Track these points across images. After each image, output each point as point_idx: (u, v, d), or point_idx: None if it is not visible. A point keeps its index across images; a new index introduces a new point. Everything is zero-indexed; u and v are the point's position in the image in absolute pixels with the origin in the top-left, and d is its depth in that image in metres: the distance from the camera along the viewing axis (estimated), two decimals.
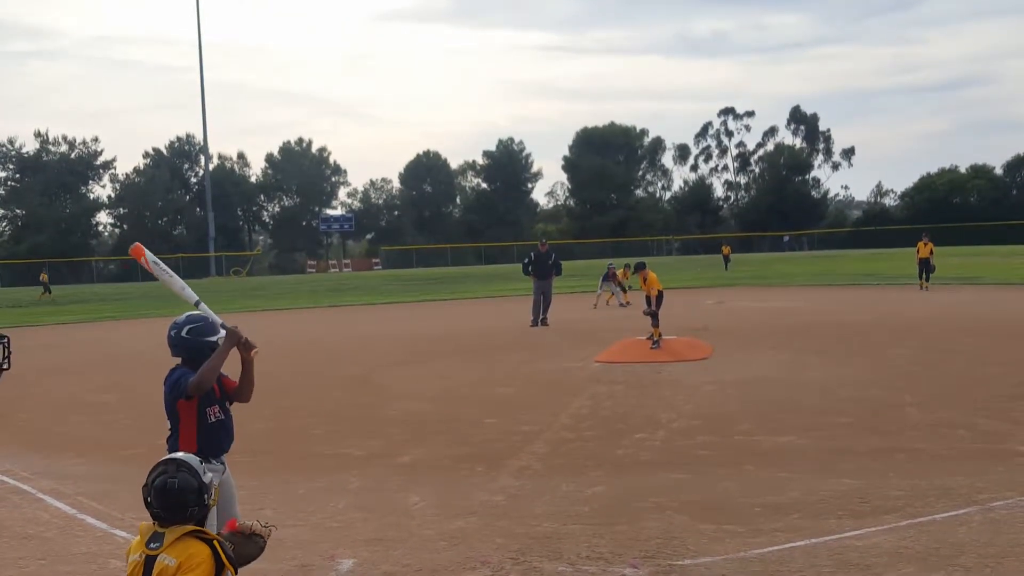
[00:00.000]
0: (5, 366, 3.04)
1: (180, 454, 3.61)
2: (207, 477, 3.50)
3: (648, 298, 15.81)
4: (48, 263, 64.40)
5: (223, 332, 4.75)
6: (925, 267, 29.04)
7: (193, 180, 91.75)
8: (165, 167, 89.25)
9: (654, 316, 15.67)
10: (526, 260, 22.52)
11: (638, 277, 16.51)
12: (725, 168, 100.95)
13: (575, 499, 7.10)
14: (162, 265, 4.94)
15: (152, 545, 3.33)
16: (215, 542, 3.37)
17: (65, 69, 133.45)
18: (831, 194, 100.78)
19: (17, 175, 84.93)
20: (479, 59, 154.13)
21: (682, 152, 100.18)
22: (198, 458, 3.60)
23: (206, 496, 3.44)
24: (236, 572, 3.43)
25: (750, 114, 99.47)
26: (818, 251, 77.00)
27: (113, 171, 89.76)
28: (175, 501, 3.37)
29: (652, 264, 17.52)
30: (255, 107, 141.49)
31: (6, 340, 3.04)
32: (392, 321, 26.70)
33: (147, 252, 4.91)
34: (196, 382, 4.56)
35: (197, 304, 4.82)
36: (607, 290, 27.96)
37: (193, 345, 4.75)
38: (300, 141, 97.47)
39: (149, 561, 3.30)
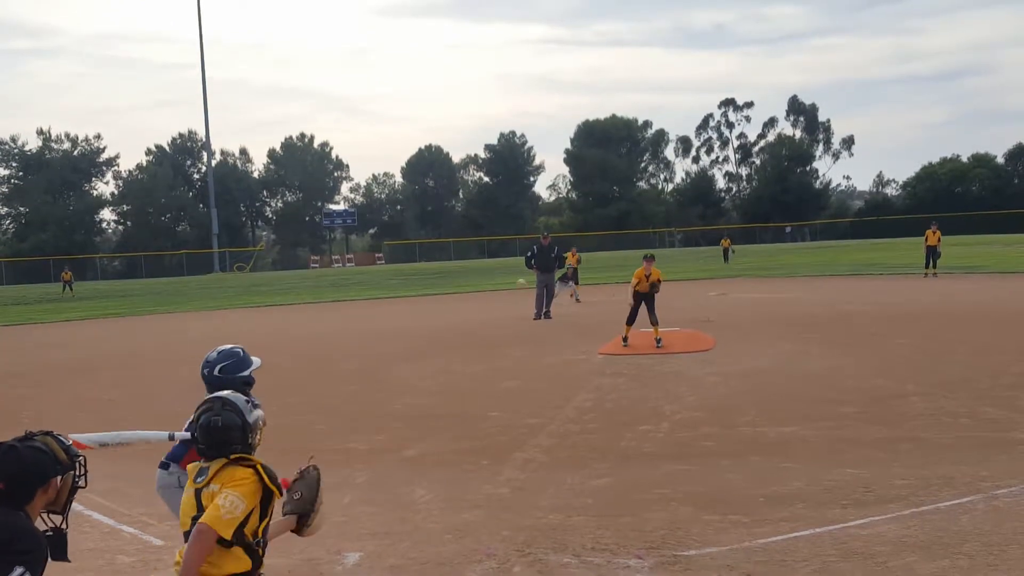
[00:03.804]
0: (81, 484, 3.20)
1: (226, 392, 3.79)
2: (252, 416, 3.67)
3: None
4: (53, 260, 64.55)
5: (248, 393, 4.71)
6: (932, 254, 29.46)
7: (196, 176, 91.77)
8: (168, 164, 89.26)
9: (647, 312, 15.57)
10: (529, 253, 22.53)
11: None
12: (726, 159, 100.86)
13: (580, 491, 7.13)
14: (107, 437, 4.72)
15: (199, 479, 3.60)
16: (258, 465, 3.57)
17: (66, 67, 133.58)
18: (833, 184, 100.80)
19: (20, 173, 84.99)
20: (480, 53, 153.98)
21: (684, 144, 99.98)
22: (243, 396, 3.76)
23: (250, 435, 3.64)
24: (281, 494, 3.63)
25: (749, 105, 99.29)
26: (820, 242, 76.87)
27: (116, 168, 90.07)
28: (219, 439, 3.59)
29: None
30: (257, 103, 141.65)
31: (82, 459, 3.20)
32: (395, 316, 26.73)
33: (83, 438, 4.25)
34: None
35: (171, 436, 4.84)
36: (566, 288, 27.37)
37: (227, 383, 4.79)
38: (302, 136, 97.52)
39: (197, 494, 3.58)
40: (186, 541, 3.60)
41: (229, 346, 4.98)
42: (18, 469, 2.95)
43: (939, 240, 29.81)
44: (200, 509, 3.57)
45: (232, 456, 3.59)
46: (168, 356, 18.31)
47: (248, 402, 3.74)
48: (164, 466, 4.94)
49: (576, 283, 27.26)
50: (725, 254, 49.22)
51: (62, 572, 5.95)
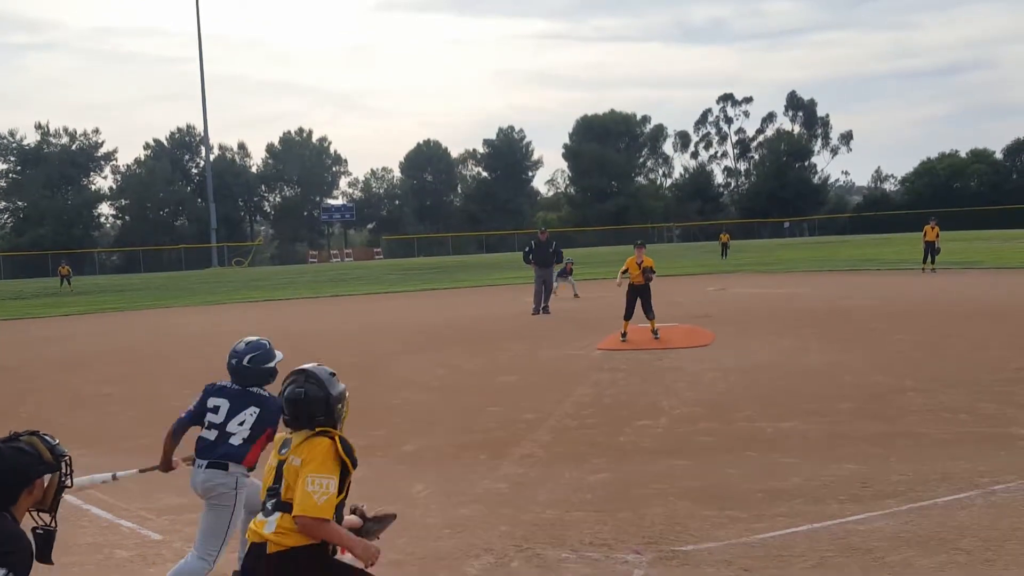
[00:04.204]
0: (68, 484, 3.18)
1: (311, 365, 3.89)
2: (336, 388, 3.79)
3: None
4: (51, 255, 64.48)
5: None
6: (930, 250, 29.49)
7: (194, 171, 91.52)
8: (166, 158, 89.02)
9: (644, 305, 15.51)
10: (527, 249, 22.53)
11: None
12: (725, 155, 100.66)
13: (578, 486, 7.13)
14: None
15: (282, 451, 3.74)
16: (336, 436, 3.68)
17: (65, 61, 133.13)
18: (831, 180, 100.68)
19: (18, 167, 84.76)
20: (479, 48, 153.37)
21: (683, 139, 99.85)
22: (328, 370, 3.84)
23: (335, 407, 3.76)
24: (354, 467, 3.71)
25: (748, 100, 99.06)
26: (819, 237, 76.83)
27: (114, 163, 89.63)
28: (303, 411, 3.74)
29: (651, 251, 17.40)
30: (255, 98, 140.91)
31: (68, 458, 3.18)
32: (394, 310, 26.71)
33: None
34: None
35: (114, 477, 5.21)
36: (562, 283, 27.45)
37: (253, 373, 4.97)
38: (300, 131, 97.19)
39: (280, 465, 3.71)
40: (261, 511, 3.72)
41: (255, 338, 5.13)
42: (1, 470, 2.92)
43: (938, 236, 29.79)
44: (278, 480, 3.67)
45: (316, 429, 3.70)
46: (166, 351, 18.31)
47: (333, 375, 3.82)
48: (222, 466, 4.87)
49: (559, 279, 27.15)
50: (723, 249, 48.96)
51: (60, 568, 5.95)
